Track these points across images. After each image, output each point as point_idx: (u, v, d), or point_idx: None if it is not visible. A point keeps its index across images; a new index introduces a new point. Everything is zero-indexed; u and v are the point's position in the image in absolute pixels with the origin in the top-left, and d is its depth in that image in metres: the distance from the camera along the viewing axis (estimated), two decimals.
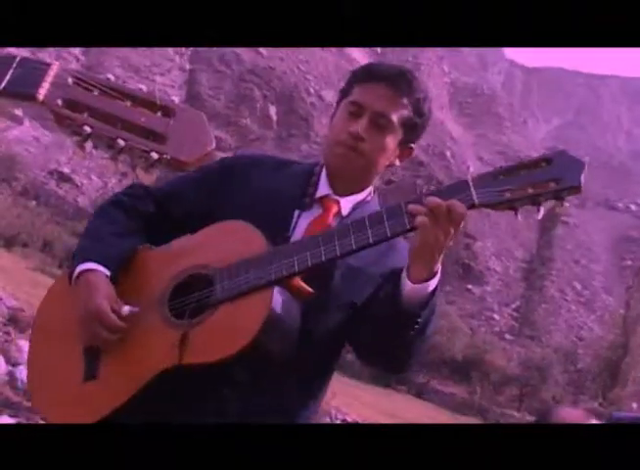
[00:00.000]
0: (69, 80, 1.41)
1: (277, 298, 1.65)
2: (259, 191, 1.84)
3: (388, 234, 1.61)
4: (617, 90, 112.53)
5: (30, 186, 42.56)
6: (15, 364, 7.67)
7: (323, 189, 1.87)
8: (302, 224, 1.81)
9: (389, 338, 1.71)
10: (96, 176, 52.89)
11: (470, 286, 52.46)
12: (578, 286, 64.65)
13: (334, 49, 74.65)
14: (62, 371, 1.80)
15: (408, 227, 1.60)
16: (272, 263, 1.66)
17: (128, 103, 1.42)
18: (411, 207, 1.59)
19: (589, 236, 70.11)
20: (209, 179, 1.89)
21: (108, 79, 1.45)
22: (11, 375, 7.46)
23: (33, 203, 40.29)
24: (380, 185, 2.04)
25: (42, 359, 1.87)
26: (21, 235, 30.21)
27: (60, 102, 1.39)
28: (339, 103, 1.90)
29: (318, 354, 1.82)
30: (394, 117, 1.81)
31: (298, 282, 1.69)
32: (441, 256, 1.62)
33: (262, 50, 67.92)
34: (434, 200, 1.55)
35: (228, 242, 1.74)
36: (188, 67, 67.00)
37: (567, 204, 1.56)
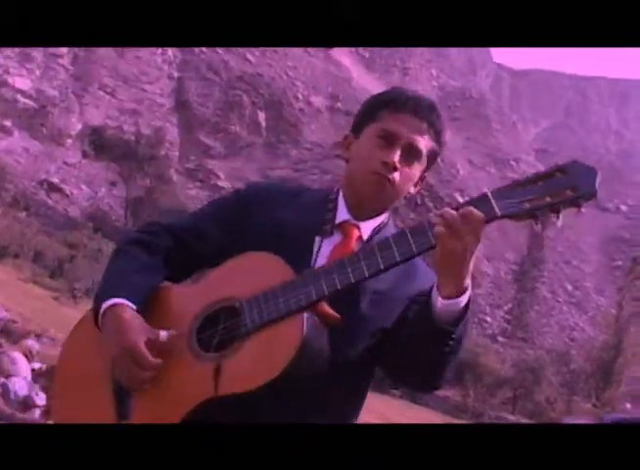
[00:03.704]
0: None
1: (306, 324, 1.63)
2: (277, 221, 1.83)
3: (415, 251, 1.62)
4: (605, 91, 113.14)
5: (20, 197, 42.39)
6: (7, 376, 7.61)
7: (342, 215, 1.85)
8: (325, 251, 1.80)
9: (424, 357, 1.70)
10: (86, 186, 52.71)
11: None
12: (570, 287, 64.80)
13: (322, 55, 74.70)
14: (92, 415, 1.73)
15: (433, 243, 1.59)
16: (300, 289, 1.65)
17: None
18: (432, 220, 1.60)
19: (580, 237, 70.33)
20: (227, 213, 1.87)
21: None
22: (4, 387, 7.40)
23: (23, 213, 40.16)
24: None
25: (70, 406, 1.81)
26: (11, 246, 30.13)
27: None
28: (358, 126, 1.88)
29: (349, 380, 1.81)
30: (424, 149, 1.82)
31: (327, 308, 1.67)
32: (469, 271, 1.61)
33: (250, 57, 67.89)
34: (449, 210, 1.57)
35: (252, 273, 1.72)
36: (176, 75, 66.95)
37: (583, 210, 1.59)
